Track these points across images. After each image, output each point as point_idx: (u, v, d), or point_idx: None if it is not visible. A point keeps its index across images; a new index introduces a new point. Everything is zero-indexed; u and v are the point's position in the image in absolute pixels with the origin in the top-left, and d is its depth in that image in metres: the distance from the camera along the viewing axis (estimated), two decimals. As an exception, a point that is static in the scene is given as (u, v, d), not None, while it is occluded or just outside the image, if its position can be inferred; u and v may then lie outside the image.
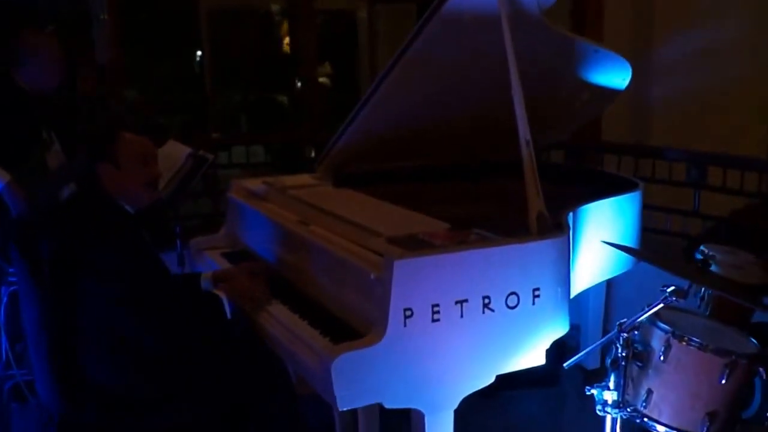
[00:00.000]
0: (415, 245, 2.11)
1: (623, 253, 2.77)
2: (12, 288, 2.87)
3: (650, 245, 3.71)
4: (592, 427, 2.37)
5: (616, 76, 3.07)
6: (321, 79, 7.91)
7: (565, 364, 2.28)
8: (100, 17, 4.55)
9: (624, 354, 2.11)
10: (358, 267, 2.14)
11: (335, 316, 2.23)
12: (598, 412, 2.18)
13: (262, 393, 2.32)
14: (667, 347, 2.10)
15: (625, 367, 2.12)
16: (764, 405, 2.10)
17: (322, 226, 2.50)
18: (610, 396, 2.17)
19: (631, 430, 2.31)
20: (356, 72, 9.00)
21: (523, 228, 2.24)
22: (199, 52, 9.02)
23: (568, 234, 2.28)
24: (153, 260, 2.37)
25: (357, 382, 1.91)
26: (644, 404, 2.14)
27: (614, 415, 2.18)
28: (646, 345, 2.15)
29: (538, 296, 2.14)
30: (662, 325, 2.13)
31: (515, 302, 2.10)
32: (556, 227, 2.27)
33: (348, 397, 1.91)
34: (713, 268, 2.70)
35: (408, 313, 1.94)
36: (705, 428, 2.06)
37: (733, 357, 2.05)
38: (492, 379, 2.12)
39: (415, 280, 1.96)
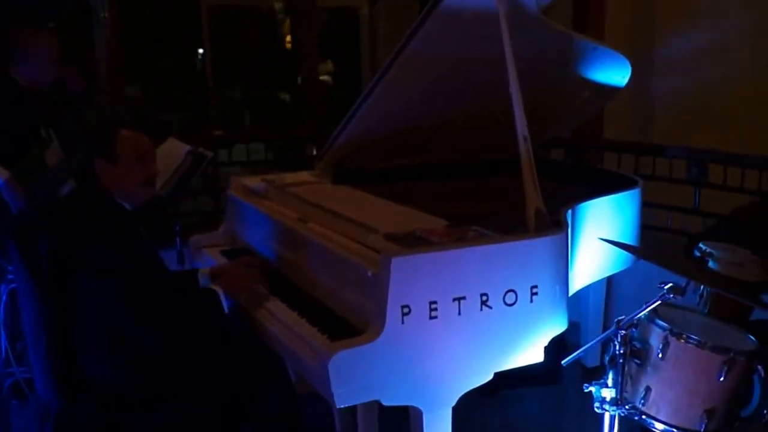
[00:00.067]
0: (413, 242, 2.12)
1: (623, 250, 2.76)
2: (11, 286, 2.87)
3: (651, 243, 3.71)
4: (591, 425, 2.37)
5: (615, 73, 3.07)
6: (323, 77, 7.91)
7: (563, 362, 2.28)
8: (100, 15, 4.56)
9: (622, 351, 2.10)
10: (356, 264, 2.14)
11: (334, 314, 2.23)
12: (596, 409, 2.18)
13: (262, 391, 2.32)
14: (666, 344, 2.09)
15: (623, 364, 2.11)
16: (763, 402, 2.09)
17: (320, 224, 2.50)
18: (608, 393, 2.16)
19: (629, 428, 2.31)
20: (358, 69, 9.01)
21: (521, 225, 2.23)
22: (200, 50, 9.02)
23: (566, 231, 2.28)
24: (152, 258, 2.36)
25: (355, 379, 1.91)
26: (642, 401, 2.13)
27: (612, 413, 2.17)
28: (645, 342, 2.14)
29: (536, 294, 2.14)
30: (660, 323, 2.12)
31: (513, 300, 2.10)
32: (555, 224, 2.26)
33: (346, 394, 1.91)
34: (712, 265, 2.69)
35: (405, 310, 1.94)
36: (703, 425, 2.06)
37: (732, 354, 2.04)
38: (490, 377, 2.12)
39: (413, 278, 1.95)
